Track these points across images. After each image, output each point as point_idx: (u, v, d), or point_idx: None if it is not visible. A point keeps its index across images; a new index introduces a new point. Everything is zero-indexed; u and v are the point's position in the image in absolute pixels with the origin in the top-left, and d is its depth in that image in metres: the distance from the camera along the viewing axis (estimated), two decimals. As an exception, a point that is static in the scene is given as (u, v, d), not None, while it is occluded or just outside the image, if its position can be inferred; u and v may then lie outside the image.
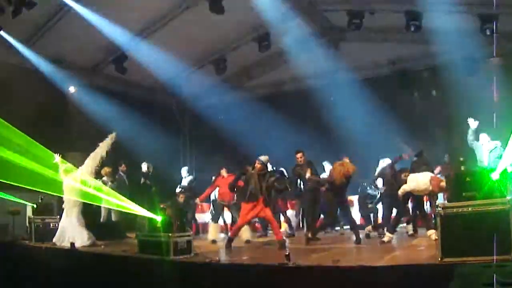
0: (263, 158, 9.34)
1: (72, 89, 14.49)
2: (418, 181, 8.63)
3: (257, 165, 9.22)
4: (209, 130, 16.99)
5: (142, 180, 12.72)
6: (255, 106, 16.33)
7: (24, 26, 12.16)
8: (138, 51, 13.88)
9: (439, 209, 5.65)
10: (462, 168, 8.90)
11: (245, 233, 10.29)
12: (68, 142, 13.15)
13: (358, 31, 13.67)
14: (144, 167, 13.13)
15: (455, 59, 13.78)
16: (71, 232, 9.76)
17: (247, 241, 10.17)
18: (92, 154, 10.23)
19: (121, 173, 12.53)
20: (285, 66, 16.21)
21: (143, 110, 15.35)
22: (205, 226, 13.47)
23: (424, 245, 7.71)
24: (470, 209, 5.52)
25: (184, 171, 13.86)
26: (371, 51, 14.93)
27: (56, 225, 10.36)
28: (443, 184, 8.46)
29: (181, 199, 11.63)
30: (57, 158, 10.02)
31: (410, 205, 9.62)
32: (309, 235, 9.37)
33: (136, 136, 14.16)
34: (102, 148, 10.23)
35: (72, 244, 9.22)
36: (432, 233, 8.40)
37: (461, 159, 9.26)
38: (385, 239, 8.75)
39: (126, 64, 14.25)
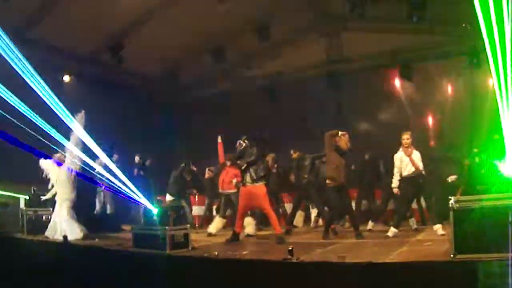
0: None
1: (66, 78, 14.11)
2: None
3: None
4: (207, 121, 16.62)
5: (136, 171, 12.35)
6: (254, 96, 16.03)
7: (17, 13, 11.72)
8: (136, 39, 13.50)
9: (452, 203, 5.34)
10: (477, 160, 8.54)
11: (249, 227, 9.97)
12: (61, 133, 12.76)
13: (359, 21, 13.48)
14: (137, 158, 12.80)
15: (458, 50, 13.56)
16: (63, 225, 9.51)
17: (248, 235, 9.85)
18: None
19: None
20: (285, 56, 15.92)
21: (140, 99, 15.01)
22: (200, 219, 13.15)
23: (431, 241, 7.41)
24: (484, 203, 5.24)
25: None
26: (373, 41, 14.56)
27: (49, 217, 10.09)
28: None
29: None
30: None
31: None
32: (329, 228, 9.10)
33: (133, 126, 13.84)
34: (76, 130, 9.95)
35: (65, 237, 8.96)
36: (439, 228, 8.14)
37: (475, 150, 8.89)
38: (390, 234, 8.45)
39: (123, 52, 13.83)
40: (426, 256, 5.74)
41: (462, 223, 5.27)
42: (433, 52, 14.05)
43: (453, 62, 13.67)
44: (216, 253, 6.93)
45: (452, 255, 5.23)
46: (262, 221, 11.01)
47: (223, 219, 10.62)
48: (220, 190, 10.72)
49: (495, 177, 5.48)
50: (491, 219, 5.11)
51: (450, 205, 5.34)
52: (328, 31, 15.73)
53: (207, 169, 12.48)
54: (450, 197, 5.39)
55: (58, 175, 9.75)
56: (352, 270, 5.29)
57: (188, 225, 8.36)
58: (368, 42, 14.57)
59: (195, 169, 13.21)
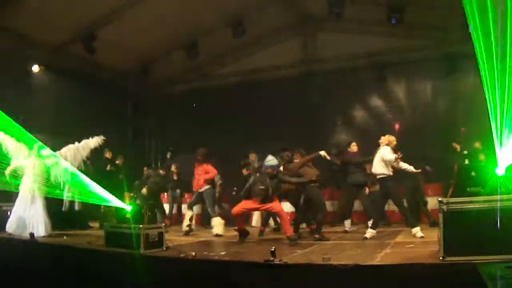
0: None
1: (35, 68, 13.56)
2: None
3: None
4: (180, 117, 16.32)
5: (108, 167, 11.94)
6: (226, 94, 15.76)
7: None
8: (108, 31, 13.08)
9: (442, 204, 5.24)
10: (467, 162, 8.51)
11: (218, 227, 9.74)
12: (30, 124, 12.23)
13: (336, 22, 13.46)
14: (108, 153, 12.37)
15: (434, 55, 13.61)
16: (35, 220, 9.12)
17: (217, 235, 9.60)
18: (72, 146, 9.75)
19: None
20: (259, 54, 15.74)
21: (110, 93, 14.59)
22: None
23: (411, 243, 7.30)
24: (474, 205, 5.15)
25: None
26: (348, 42, 14.48)
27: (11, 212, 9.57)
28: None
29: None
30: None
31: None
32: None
33: (103, 121, 13.41)
34: (84, 146, 9.64)
35: (32, 234, 8.53)
36: (418, 231, 8.05)
37: (465, 152, 8.86)
38: (368, 235, 8.34)
39: (95, 44, 13.34)
40: (413, 258, 5.60)
41: (451, 225, 5.18)
42: (409, 56, 14.06)
43: (429, 67, 13.69)
44: (194, 253, 6.67)
45: (441, 257, 5.12)
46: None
47: (191, 211, 10.40)
48: (194, 189, 10.50)
49: (485, 180, 5.38)
50: (480, 221, 5.04)
51: (440, 207, 5.25)
52: (304, 31, 15.65)
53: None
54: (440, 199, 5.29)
55: (34, 168, 9.30)
56: (339, 272, 5.10)
57: (163, 224, 8.08)
58: (344, 43, 14.54)
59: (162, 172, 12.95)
